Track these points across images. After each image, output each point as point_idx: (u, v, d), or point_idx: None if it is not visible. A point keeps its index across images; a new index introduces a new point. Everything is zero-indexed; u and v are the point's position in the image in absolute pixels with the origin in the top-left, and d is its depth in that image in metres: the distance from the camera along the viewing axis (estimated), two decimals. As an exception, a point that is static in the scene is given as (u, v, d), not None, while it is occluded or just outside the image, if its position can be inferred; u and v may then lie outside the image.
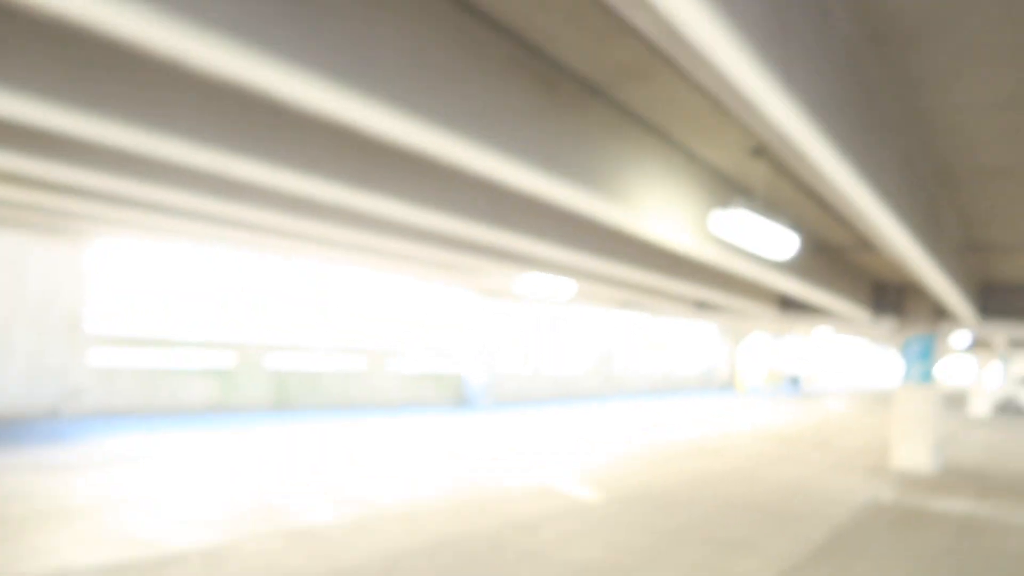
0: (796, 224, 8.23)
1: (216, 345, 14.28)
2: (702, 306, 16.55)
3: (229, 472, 8.04)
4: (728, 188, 6.48)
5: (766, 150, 5.50)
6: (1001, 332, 12.18)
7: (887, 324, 13.29)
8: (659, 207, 5.33)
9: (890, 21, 3.33)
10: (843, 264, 10.90)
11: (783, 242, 5.72)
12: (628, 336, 27.48)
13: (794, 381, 39.09)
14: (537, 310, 21.99)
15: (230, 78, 4.15)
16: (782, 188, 6.66)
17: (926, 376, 11.75)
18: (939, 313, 11.98)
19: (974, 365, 27.21)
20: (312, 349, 16.00)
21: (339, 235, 8.09)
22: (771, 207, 7.40)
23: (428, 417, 14.78)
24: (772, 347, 40.95)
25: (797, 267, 8.53)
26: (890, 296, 12.74)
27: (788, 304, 14.38)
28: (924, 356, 11.84)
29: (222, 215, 8.67)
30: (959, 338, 17.17)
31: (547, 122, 4.21)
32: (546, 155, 4.19)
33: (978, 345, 25.12)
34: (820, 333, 24.17)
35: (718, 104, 4.65)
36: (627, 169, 4.95)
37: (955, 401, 34.20)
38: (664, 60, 4.01)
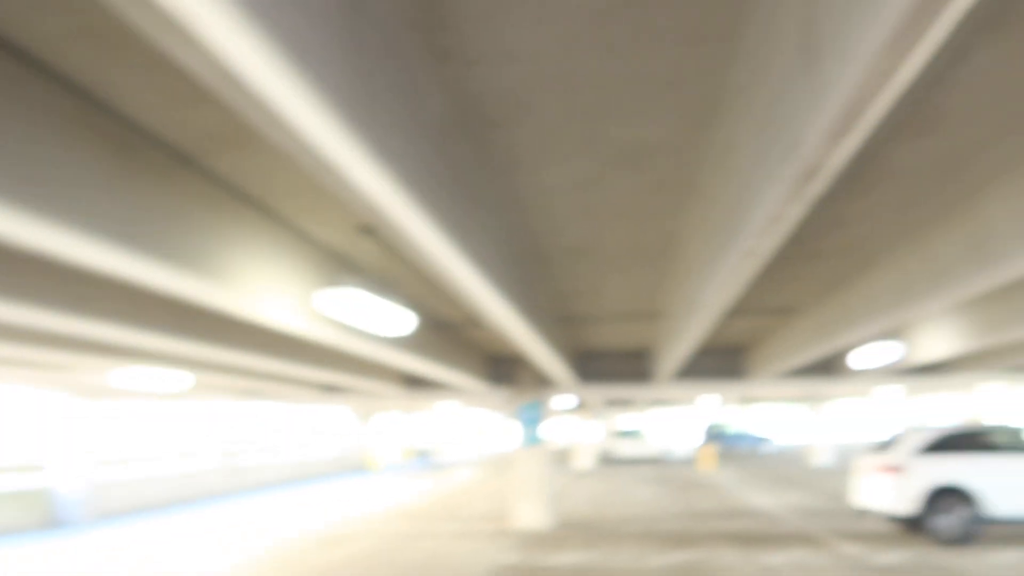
0: (411, 302, 8.41)
1: None
2: (330, 389, 16.23)
3: None
4: (339, 266, 6.33)
5: (374, 228, 5.47)
6: (597, 393, 13.80)
7: (503, 394, 14.27)
8: (265, 287, 4.95)
9: (475, 104, 3.46)
10: (459, 340, 11.47)
11: (398, 320, 5.69)
12: (256, 426, 25.92)
13: (424, 455, 40.29)
14: (147, 406, 19.64)
15: None
16: (394, 266, 6.71)
17: (536, 439, 12.77)
18: (544, 380, 13.19)
19: (578, 424, 30.66)
20: None
21: None
22: (384, 285, 7.43)
23: (2, 548, 12.04)
24: (402, 424, 41.88)
25: (416, 344, 8.69)
26: (503, 368, 13.76)
27: (413, 381, 14.73)
28: (534, 421, 12.87)
29: None
30: (565, 401, 19.19)
31: (125, 191, 3.63)
32: (124, 229, 3.60)
33: (581, 406, 28.44)
34: (446, 406, 25.27)
35: (316, 177, 4.48)
36: (226, 246, 4.51)
37: (564, 458, 38.11)
38: (254, 127, 3.72)
